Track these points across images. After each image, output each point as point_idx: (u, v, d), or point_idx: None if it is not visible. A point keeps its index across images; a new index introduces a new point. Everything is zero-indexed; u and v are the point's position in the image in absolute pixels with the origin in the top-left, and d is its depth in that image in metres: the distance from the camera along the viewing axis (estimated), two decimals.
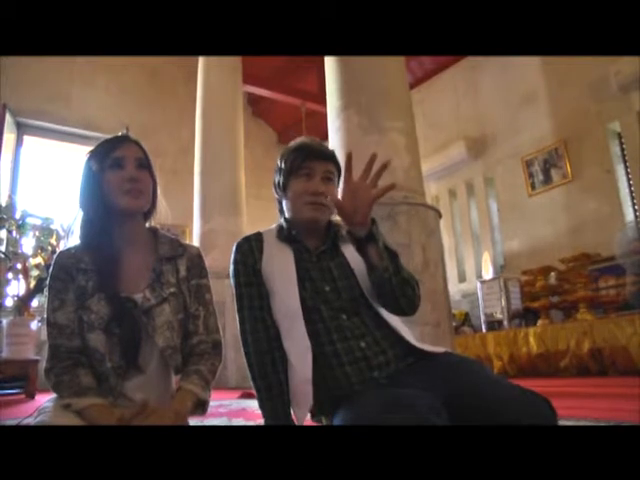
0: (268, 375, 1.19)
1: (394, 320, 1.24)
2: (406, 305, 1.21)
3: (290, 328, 1.19)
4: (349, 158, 1.17)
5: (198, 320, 1.21)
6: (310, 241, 1.30)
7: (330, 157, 1.31)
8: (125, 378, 1.11)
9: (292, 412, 1.19)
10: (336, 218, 1.29)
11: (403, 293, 1.19)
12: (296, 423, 1.16)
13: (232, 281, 1.27)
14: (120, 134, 1.24)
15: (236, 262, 1.26)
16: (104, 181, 1.16)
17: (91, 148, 1.24)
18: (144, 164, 1.20)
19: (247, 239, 1.30)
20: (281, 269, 1.24)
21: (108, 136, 1.24)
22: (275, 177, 1.35)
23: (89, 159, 1.20)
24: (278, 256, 1.26)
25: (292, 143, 1.35)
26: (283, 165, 1.32)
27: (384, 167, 1.19)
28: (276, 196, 1.37)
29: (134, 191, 1.15)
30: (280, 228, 1.32)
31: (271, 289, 1.23)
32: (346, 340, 1.16)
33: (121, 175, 1.15)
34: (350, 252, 1.27)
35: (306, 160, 1.28)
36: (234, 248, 1.29)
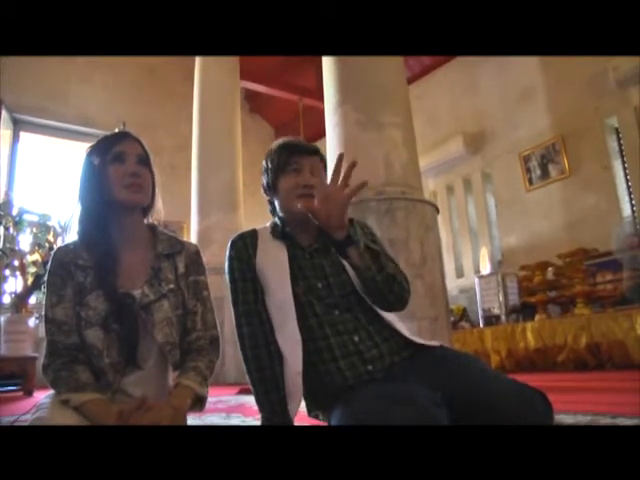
0: (264, 368, 1.20)
1: (388, 315, 1.24)
2: (395, 301, 1.22)
3: (282, 322, 1.21)
4: (340, 159, 1.17)
5: (196, 316, 1.22)
6: (303, 238, 1.31)
7: (315, 151, 1.33)
8: (123, 374, 1.11)
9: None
10: None
11: (390, 290, 1.20)
12: (290, 415, 1.18)
13: (227, 277, 1.28)
14: (119, 130, 1.24)
15: (231, 258, 1.28)
16: (105, 175, 1.16)
17: (89, 144, 1.24)
18: (144, 160, 1.21)
19: (241, 236, 1.31)
20: (275, 265, 1.25)
21: (106, 132, 1.24)
22: (263, 179, 1.36)
23: (90, 154, 1.21)
24: (272, 252, 1.27)
25: (274, 144, 1.36)
26: (270, 165, 1.33)
27: (352, 166, 1.17)
28: (267, 197, 1.38)
29: (134, 185, 1.16)
30: (274, 225, 1.33)
31: (265, 284, 1.25)
32: (339, 334, 1.17)
33: (122, 169, 1.16)
34: None
35: (292, 156, 1.29)
36: (229, 244, 1.30)
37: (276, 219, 1.34)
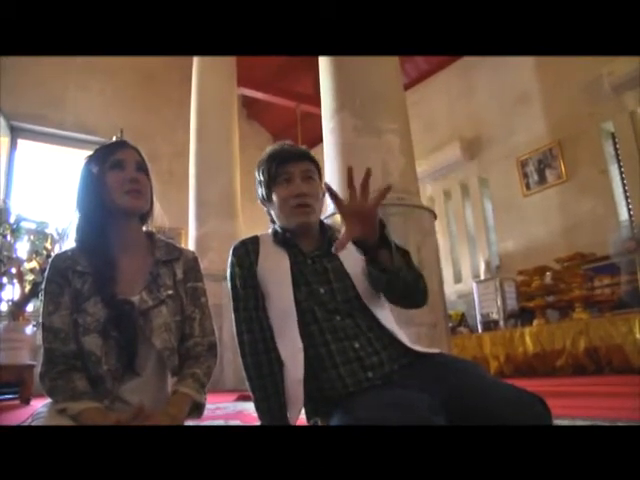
0: (264, 376, 1.19)
1: (388, 322, 1.24)
2: (422, 298, 1.27)
3: (283, 329, 1.20)
4: (349, 172, 1.11)
5: (194, 322, 1.22)
6: (305, 244, 1.30)
7: (304, 156, 1.30)
8: (121, 381, 1.11)
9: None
10: (328, 221, 1.30)
11: (417, 287, 1.23)
12: (290, 421, 1.17)
13: (229, 283, 1.28)
14: (117, 139, 1.25)
15: (232, 265, 1.27)
16: (104, 182, 1.16)
17: (86, 151, 1.26)
18: (143, 168, 1.22)
19: (244, 242, 1.30)
20: (276, 271, 1.24)
21: (103, 139, 1.26)
22: (257, 190, 1.36)
23: (88, 162, 1.22)
24: (273, 258, 1.26)
25: (264, 153, 1.35)
26: (261, 176, 1.32)
27: (367, 176, 1.11)
28: (264, 208, 1.38)
29: (134, 191, 1.17)
30: (275, 232, 1.32)
31: (266, 291, 1.24)
32: (340, 341, 1.17)
33: (122, 176, 1.17)
34: (345, 255, 1.27)
35: (281, 165, 1.28)
36: (231, 251, 1.29)
37: (276, 226, 1.34)
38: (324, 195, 1.33)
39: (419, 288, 1.23)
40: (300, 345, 1.16)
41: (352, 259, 1.27)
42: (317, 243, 1.31)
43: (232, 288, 1.27)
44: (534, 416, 0.94)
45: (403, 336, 1.23)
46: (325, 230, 1.33)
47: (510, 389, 1.00)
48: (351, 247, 1.30)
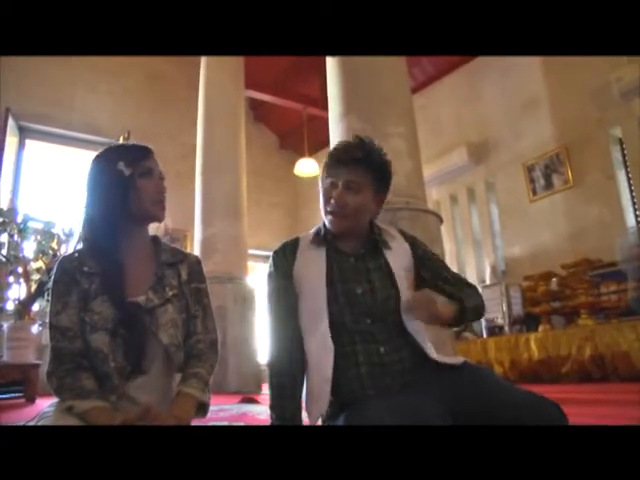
0: (283, 374, 1.21)
1: (417, 330, 1.22)
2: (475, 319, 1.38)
3: (314, 327, 1.20)
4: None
5: (197, 320, 1.25)
6: (348, 245, 1.28)
7: (353, 161, 1.23)
8: (128, 378, 1.12)
9: (306, 411, 1.20)
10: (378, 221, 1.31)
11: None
12: (309, 420, 1.18)
13: (267, 281, 1.31)
14: (124, 139, 1.27)
15: (270, 266, 1.30)
16: (134, 187, 1.18)
17: (93, 152, 1.26)
18: (163, 177, 1.26)
19: (284, 244, 1.32)
20: (311, 270, 1.24)
21: (110, 140, 1.27)
22: None
23: (114, 161, 1.19)
24: (310, 258, 1.27)
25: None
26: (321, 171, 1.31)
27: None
28: None
29: (161, 202, 1.22)
30: (317, 231, 1.31)
31: (300, 290, 1.25)
32: (366, 343, 1.17)
33: (151, 185, 1.20)
34: (393, 256, 1.27)
35: (331, 167, 1.26)
36: (272, 253, 1.32)
37: (321, 225, 1.32)
38: (379, 200, 1.32)
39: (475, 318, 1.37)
40: (330, 344, 1.16)
41: (398, 258, 1.27)
42: (361, 244, 1.29)
43: (268, 286, 1.30)
44: (551, 421, 0.94)
45: (428, 344, 1.22)
46: (372, 229, 1.31)
47: (527, 395, 1.01)
48: (397, 246, 1.30)
